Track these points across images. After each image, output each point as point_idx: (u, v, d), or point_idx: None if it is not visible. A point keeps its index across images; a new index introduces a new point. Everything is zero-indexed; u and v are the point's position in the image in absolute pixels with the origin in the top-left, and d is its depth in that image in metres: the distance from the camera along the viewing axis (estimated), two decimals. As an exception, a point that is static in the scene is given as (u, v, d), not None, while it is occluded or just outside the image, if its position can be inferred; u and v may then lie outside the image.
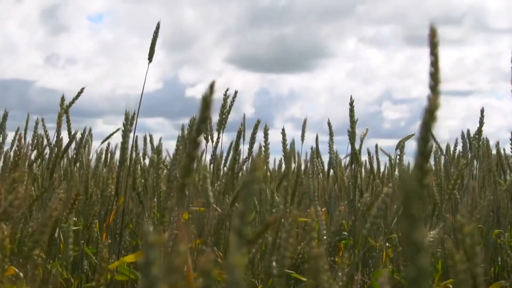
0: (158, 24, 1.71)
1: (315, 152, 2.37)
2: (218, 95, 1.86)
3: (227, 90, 1.75)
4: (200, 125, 0.60)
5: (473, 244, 0.62)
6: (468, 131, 2.25)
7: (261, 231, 0.95)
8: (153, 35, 1.71)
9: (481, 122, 2.17)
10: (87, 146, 2.19)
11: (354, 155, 1.86)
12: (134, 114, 1.67)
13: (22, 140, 1.63)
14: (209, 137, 1.80)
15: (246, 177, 0.53)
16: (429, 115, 0.46)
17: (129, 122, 1.63)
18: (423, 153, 0.48)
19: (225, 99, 1.72)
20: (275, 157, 2.81)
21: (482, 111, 2.16)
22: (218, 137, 1.79)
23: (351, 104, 1.72)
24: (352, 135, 1.74)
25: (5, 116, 1.97)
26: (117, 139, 2.88)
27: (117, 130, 1.72)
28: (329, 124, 2.10)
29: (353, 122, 1.73)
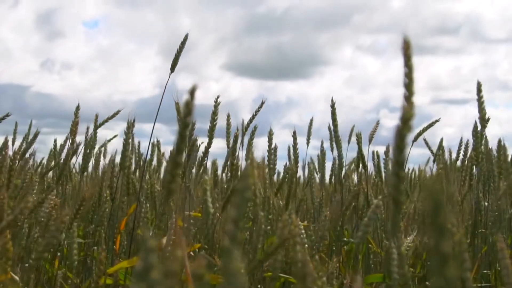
0: (186, 36, 1.68)
1: (321, 158, 2.36)
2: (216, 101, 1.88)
3: (218, 97, 1.76)
4: (182, 131, 0.61)
5: (461, 252, 0.64)
6: (467, 141, 2.23)
7: (276, 247, 0.94)
8: (179, 47, 1.68)
9: (476, 131, 2.13)
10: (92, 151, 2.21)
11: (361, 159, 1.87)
12: (134, 121, 1.69)
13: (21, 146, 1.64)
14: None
15: (238, 184, 0.53)
16: (404, 124, 0.47)
17: (130, 130, 1.66)
18: (398, 161, 0.49)
19: (215, 106, 1.73)
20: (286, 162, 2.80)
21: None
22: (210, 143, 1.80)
23: (333, 106, 1.73)
24: (337, 141, 1.75)
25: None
26: (114, 144, 2.89)
27: (114, 136, 1.74)
28: (335, 126, 2.08)
29: (335, 126, 1.75)
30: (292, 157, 1.99)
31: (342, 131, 2.01)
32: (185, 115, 0.59)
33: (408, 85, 0.53)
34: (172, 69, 1.70)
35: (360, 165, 1.99)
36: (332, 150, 2.09)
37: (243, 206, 0.54)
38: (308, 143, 2.34)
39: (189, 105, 0.58)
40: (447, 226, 0.41)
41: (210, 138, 1.72)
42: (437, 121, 2.12)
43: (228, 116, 1.91)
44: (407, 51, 0.53)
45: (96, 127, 1.94)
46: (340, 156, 1.84)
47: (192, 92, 0.57)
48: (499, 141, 2.01)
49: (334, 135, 1.81)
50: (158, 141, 2.46)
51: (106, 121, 1.99)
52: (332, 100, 1.80)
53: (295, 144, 1.99)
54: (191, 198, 1.76)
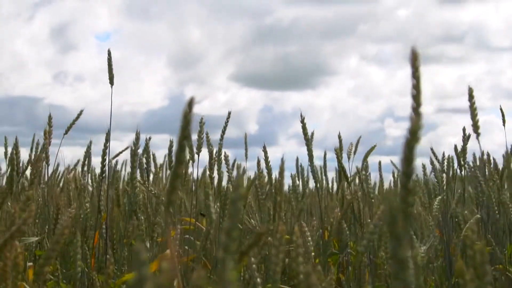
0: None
1: (323, 169, 2.34)
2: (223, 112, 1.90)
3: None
4: (181, 142, 0.59)
5: (483, 262, 0.60)
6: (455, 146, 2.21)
7: (253, 242, 0.94)
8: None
9: (465, 140, 2.12)
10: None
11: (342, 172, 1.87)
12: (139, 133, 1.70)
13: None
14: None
15: (231, 195, 0.52)
16: (412, 135, 0.46)
17: (138, 143, 1.67)
18: (406, 173, 0.47)
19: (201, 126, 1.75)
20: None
21: (464, 130, 2.11)
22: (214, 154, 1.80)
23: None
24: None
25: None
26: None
27: (126, 148, 1.74)
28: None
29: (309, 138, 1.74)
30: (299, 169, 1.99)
31: (347, 141, 2.01)
32: (183, 126, 0.57)
33: (416, 96, 0.52)
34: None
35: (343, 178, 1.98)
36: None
37: (236, 216, 0.53)
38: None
39: (187, 116, 0.57)
40: (404, 234, 0.43)
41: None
42: (374, 146, 2.10)
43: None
44: (415, 62, 0.52)
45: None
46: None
47: (190, 103, 0.55)
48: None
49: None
50: (153, 154, 2.45)
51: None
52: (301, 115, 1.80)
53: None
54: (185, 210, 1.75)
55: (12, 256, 0.98)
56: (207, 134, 1.87)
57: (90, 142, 2.08)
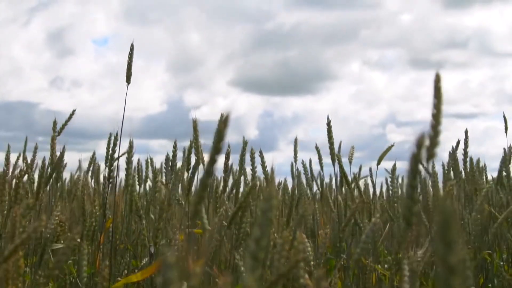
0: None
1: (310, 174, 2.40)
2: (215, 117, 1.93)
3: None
4: (214, 155, 0.65)
5: (464, 269, 0.67)
6: (453, 150, 2.26)
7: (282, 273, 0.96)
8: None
9: (466, 144, 2.18)
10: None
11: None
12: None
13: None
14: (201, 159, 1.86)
15: (262, 205, 0.57)
16: (419, 150, 0.52)
17: (132, 151, 1.71)
18: (412, 184, 0.54)
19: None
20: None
21: (466, 132, 2.17)
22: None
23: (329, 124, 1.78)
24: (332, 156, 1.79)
25: None
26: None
27: (123, 154, 1.79)
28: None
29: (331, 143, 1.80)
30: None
31: (348, 147, 2.06)
32: (217, 141, 0.64)
33: (436, 115, 0.57)
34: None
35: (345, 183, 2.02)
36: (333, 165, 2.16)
37: (266, 226, 0.57)
38: (311, 160, 2.38)
39: (221, 132, 0.63)
40: (455, 240, 0.44)
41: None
42: (392, 146, 2.18)
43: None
44: (437, 84, 0.57)
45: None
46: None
47: (225, 120, 0.62)
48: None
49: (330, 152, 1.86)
50: (151, 159, 2.50)
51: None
52: (328, 118, 1.85)
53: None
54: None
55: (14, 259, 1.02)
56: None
57: (94, 153, 2.13)
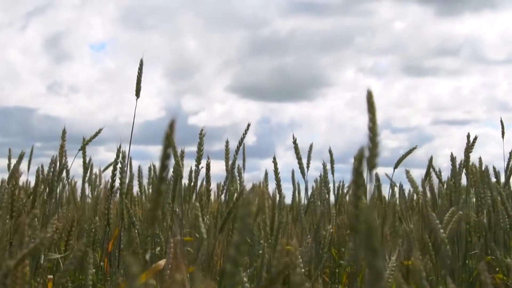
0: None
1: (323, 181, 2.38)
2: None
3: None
4: (164, 162, 0.64)
5: (421, 278, 0.68)
6: (454, 157, 2.24)
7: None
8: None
9: (468, 149, 2.15)
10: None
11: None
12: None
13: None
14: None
15: (241, 211, 0.57)
16: (359, 162, 0.51)
17: (126, 160, 1.72)
18: (356, 194, 0.53)
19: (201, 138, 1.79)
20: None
21: (468, 136, 2.15)
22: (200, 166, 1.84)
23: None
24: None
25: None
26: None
27: (115, 162, 1.79)
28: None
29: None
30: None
31: (344, 153, 2.06)
32: (164, 147, 0.63)
33: (372, 128, 0.56)
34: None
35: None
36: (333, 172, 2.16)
37: (245, 231, 0.57)
38: (308, 166, 2.37)
39: (169, 137, 0.62)
40: (379, 247, 0.46)
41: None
42: (414, 148, 2.18)
43: (227, 141, 1.97)
44: (370, 99, 0.57)
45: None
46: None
47: (171, 125, 0.61)
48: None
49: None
50: (154, 165, 2.49)
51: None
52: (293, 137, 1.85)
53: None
54: (181, 223, 1.80)
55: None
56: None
57: (90, 159, 2.14)
